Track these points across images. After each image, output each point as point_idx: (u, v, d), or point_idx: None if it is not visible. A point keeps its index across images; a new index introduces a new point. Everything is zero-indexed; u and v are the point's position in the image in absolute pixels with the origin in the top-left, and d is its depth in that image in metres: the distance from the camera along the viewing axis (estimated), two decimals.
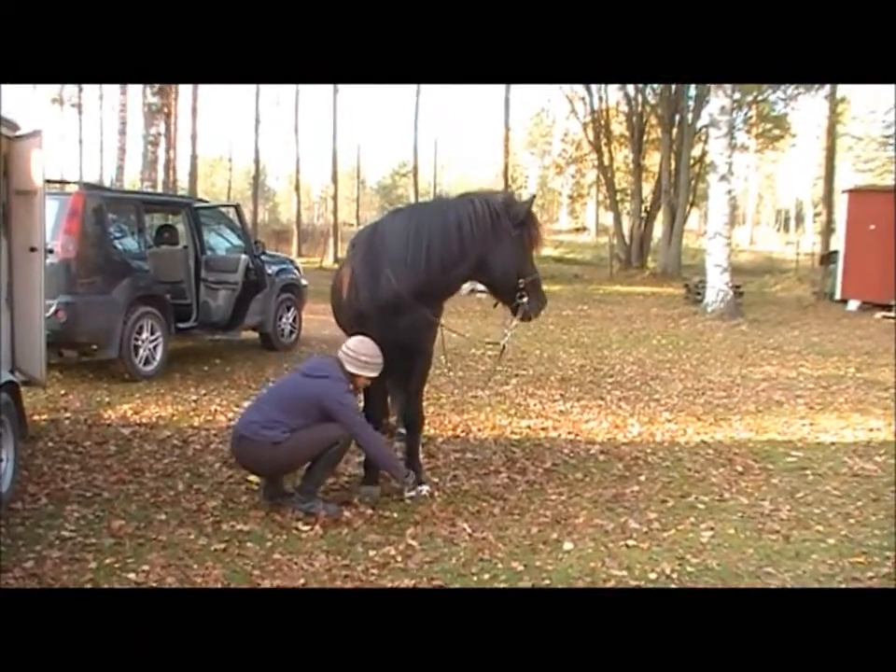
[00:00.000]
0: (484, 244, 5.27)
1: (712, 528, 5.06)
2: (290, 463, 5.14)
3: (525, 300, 5.44)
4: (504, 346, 6.13)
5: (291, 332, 11.67)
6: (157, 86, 17.61)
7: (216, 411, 7.72)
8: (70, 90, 41.63)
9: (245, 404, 7.56)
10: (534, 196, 5.80)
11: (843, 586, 4.27)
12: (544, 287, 5.70)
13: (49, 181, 7.84)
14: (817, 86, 31.77)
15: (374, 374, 5.30)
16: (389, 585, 4.17)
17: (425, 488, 5.47)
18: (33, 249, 5.97)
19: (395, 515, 5.15)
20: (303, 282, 12.24)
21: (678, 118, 31.95)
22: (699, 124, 30.84)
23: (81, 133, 43.31)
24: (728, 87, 17.58)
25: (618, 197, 35.97)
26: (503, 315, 5.82)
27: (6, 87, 5.25)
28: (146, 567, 4.25)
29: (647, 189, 34.95)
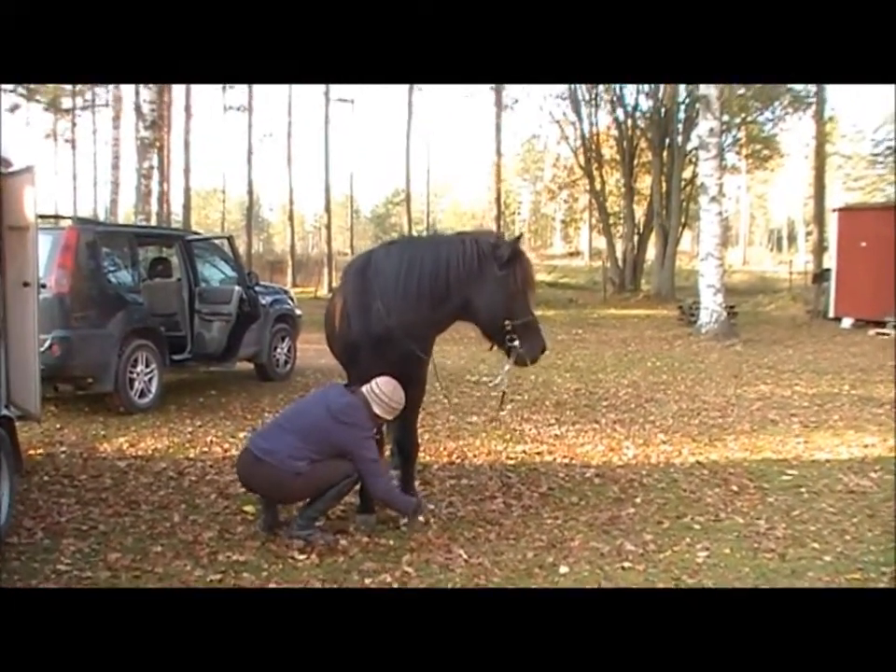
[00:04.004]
0: (469, 285, 5.25)
1: (708, 548, 5.06)
2: (304, 494, 5.14)
3: (516, 343, 5.32)
4: (504, 392, 6.10)
5: (286, 362, 11.69)
6: (149, 119, 17.67)
7: (211, 442, 7.71)
8: (64, 125, 41.96)
9: (242, 435, 7.59)
10: (520, 236, 5.72)
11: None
12: (538, 313, 5.67)
13: (42, 216, 7.88)
14: (804, 105, 32.06)
15: (392, 417, 5.33)
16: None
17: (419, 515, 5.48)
18: (26, 284, 5.99)
19: (391, 543, 5.13)
20: (298, 312, 12.26)
21: (667, 141, 32.17)
22: (689, 146, 31.05)
23: (75, 168, 43.67)
24: (716, 108, 17.74)
25: (610, 221, 36.17)
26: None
27: None
28: None
29: (639, 212, 35.16)
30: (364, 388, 5.21)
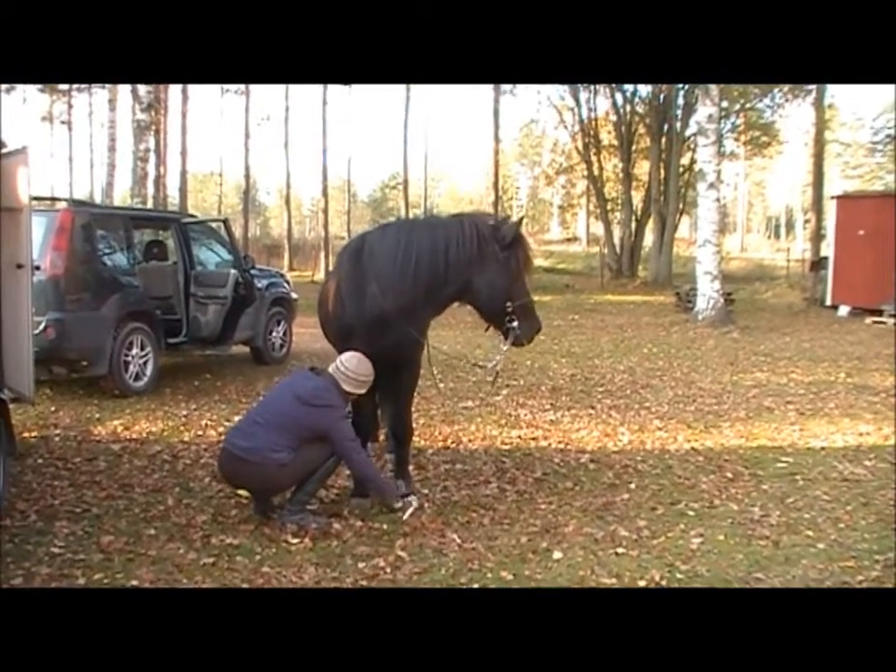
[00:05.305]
0: (470, 266, 5.25)
1: (702, 535, 5.07)
2: (292, 482, 5.14)
3: (515, 324, 5.37)
4: (497, 372, 6.09)
5: (282, 346, 11.68)
6: (146, 102, 17.57)
7: (206, 425, 7.71)
8: (60, 107, 41.75)
9: (236, 419, 7.56)
10: (522, 218, 5.76)
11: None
12: (535, 298, 5.67)
13: (37, 198, 7.84)
14: (804, 93, 31.98)
15: (365, 390, 5.32)
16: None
17: (413, 499, 5.46)
18: (20, 266, 5.96)
19: (384, 527, 5.13)
20: (293, 295, 12.25)
21: (666, 126, 32.10)
22: (687, 133, 31.00)
23: (71, 151, 43.49)
24: (715, 95, 17.67)
25: (608, 206, 36.09)
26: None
27: None
28: (135, 583, 4.23)
29: (637, 198, 35.09)
30: (330, 368, 5.24)
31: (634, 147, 34.71)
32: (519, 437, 7.55)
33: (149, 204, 20.46)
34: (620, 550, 4.81)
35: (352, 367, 5.17)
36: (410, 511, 5.30)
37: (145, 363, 9.13)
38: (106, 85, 28.76)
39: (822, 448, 7.28)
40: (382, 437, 6.47)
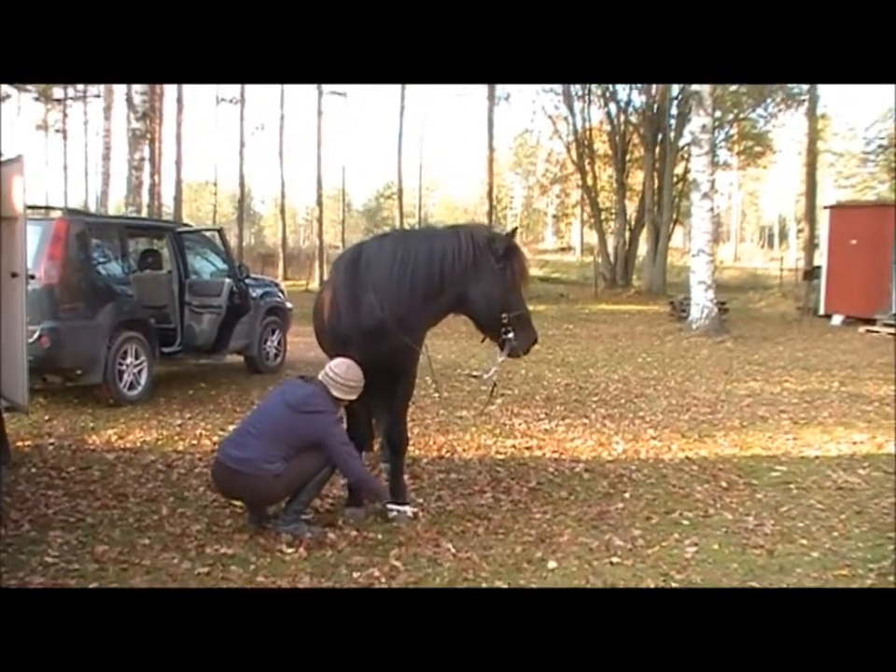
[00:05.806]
0: (465, 277, 5.27)
1: (696, 544, 5.07)
2: (286, 492, 5.13)
3: (510, 335, 5.38)
4: (494, 384, 6.08)
5: (276, 355, 11.67)
6: (141, 111, 17.58)
7: (200, 435, 7.70)
8: (55, 115, 41.78)
9: (231, 428, 7.56)
10: (515, 229, 5.79)
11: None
12: (530, 307, 5.68)
13: (32, 207, 7.84)
14: (797, 103, 32.12)
15: (356, 396, 5.32)
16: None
17: (409, 509, 5.46)
18: (14, 275, 5.97)
19: (379, 536, 5.13)
20: (288, 305, 12.24)
21: (660, 136, 32.16)
22: (681, 142, 31.06)
23: (66, 159, 43.48)
24: (709, 105, 17.74)
25: (602, 216, 36.14)
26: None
27: None
28: None
29: (631, 207, 35.18)
30: (319, 375, 5.27)
31: (628, 157, 34.77)
32: (514, 446, 7.55)
33: (144, 213, 20.42)
34: (614, 559, 4.81)
35: (341, 372, 5.18)
36: (410, 516, 5.35)
37: (139, 372, 9.12)
38: (101, 94, 28.75)
39: (816, 457, 7.29)
40: (377, 446, 6.47)
